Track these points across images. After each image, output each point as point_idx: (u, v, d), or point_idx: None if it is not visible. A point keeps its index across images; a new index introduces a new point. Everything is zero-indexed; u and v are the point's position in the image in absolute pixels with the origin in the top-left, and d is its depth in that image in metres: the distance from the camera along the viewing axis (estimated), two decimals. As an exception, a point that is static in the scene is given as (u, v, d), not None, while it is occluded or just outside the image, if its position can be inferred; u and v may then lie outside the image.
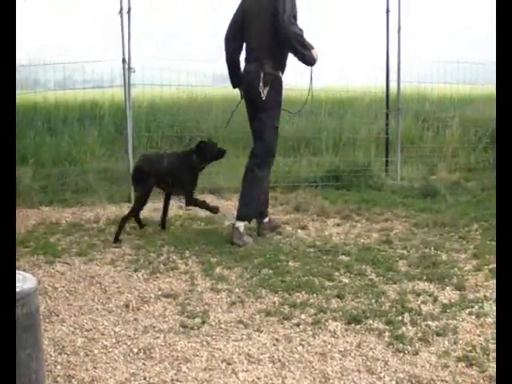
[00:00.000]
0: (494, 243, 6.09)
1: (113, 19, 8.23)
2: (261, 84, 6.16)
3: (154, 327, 4.28)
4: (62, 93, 10.80)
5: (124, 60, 8.16)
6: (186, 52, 13.09)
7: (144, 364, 3.78)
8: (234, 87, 6.66)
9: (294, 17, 6.11)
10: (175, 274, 5.36)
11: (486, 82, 11.88)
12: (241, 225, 6.25)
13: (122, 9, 8.07)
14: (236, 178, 7.77)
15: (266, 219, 6.62)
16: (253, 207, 6.36)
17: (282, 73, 6.37)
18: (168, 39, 18.34)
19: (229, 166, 8.82)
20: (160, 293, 4.91)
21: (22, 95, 10.07)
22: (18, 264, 5.40)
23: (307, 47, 6.12)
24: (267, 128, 6.34)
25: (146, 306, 4.66)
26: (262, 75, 6.16)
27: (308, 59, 6.20)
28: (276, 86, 6.27)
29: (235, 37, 6.39)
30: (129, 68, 8.17)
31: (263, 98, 6.19)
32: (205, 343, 4.06)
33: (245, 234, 6.25)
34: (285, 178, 8.83)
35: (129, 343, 4.04)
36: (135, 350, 3.94)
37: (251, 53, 6.30)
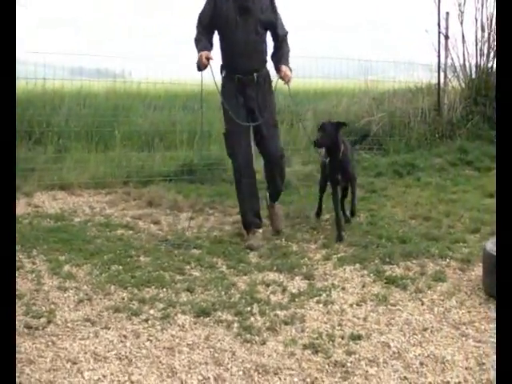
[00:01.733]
0: (343, 233, 6.23)
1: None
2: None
3: (-4, 329, 4.12)
4: None
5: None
6: (36, 43, 12.75)
7: (-16, 368, 3.63)
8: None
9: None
10: (21, 273, 5.16)
11: (337, 77, 12.17)
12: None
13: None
14: (86, 173, 7.64)
15: None
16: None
17: None
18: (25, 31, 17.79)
19: (78, 160, 8.64)
20: (3, 293, 4.73)
21: None
22: None
23: None
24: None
25: (-12, 307, 4.48)
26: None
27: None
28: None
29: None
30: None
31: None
32: (50, 343, 3.95)
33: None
34: (138, 173, 8.71)
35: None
36: (-25, 354, 3.78)
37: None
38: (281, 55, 6.23)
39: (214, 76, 6.17)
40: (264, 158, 6.43)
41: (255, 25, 6.07)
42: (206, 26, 6.16)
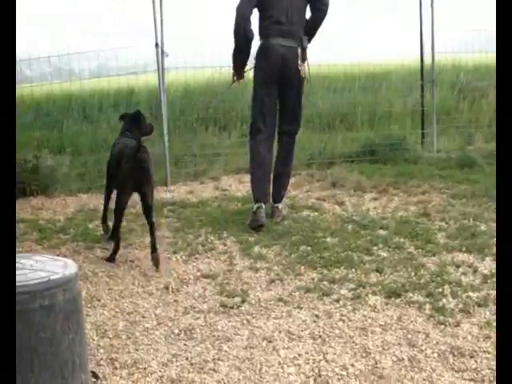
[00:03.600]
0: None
1: (145, 3, 8.23)
2: (299, 61, 6.10)
3: (194, 308, 4.31)
4: (96, 81, 10.81)
5: (157, 44, 8.16)
6: (218, 32, 13.06)
7: (185, 345, 3.80)
8: (236, 68, 6.37)
9: None
10: (213, 254, 5.38)
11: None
12: (279, 205, 6.44)
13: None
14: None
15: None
16: (288, 186, 6.64)
17: None
18: (201, 21, 18.30)
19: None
20: (199, 274, 4.93)
21: (56, 85, 10.15)
22: (58, 251, 5.47)
23: None
24: (300, 104, 6.35)
25: (185, 287, 4.69)
26: (299, 51, 6.09)
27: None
28: (307, 61, 6.22)
29: (249, 11, 6.11)
30: (162, 52, 8.17)
31: (303, 75, 6.16)
32: (245, 322, 4.08)
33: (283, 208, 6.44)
34: (320, 155, 8.78)
35: (170, 324, 4.07)
36: (176, 331, 3.97)
37: (280, 28, 6.06)
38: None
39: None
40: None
41: None
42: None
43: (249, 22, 6.08)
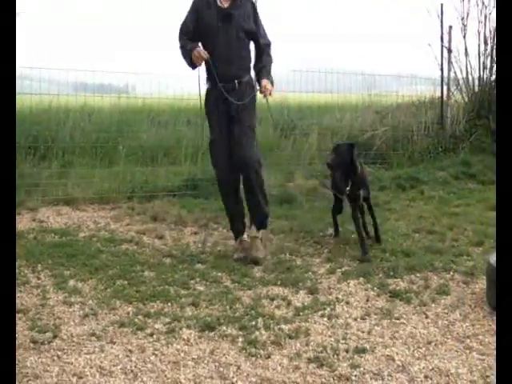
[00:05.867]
0: (347, 247, 6.30)
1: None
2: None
3: (2, 344, 4.14)
4: None
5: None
6: (41, 60, 12.83)
7: (-10, 383, 3.64)
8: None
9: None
10: (26, 288, 5.18)
11: (341, 91, 12.22)
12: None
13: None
14: (90, 188, 7.66)
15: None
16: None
17: None
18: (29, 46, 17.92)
19: (83, 175, 8.68)
20: (9, 308, 4.74)
21: None
22: None
23: None
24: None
25: (-6, 322, 4.50)
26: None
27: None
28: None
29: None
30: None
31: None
32: (56, 358, 3.97)
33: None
34: (142, 188, 8.73)
35: (-25, 362, 3.89)
36: (-19, 369, 3.80)
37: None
38: (262, 67, 6.14)
39: (199, 85, 6.21)
40: (239, 166, 6.07)
41: (237, 31, 6.02)
42: (188, 35, 6.08)
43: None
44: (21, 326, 4.43)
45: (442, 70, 11.41)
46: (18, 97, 10.21)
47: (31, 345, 4.14)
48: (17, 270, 5.57)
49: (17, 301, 4.89)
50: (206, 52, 5.94)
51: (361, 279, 5.44)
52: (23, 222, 7.22)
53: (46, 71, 9.75)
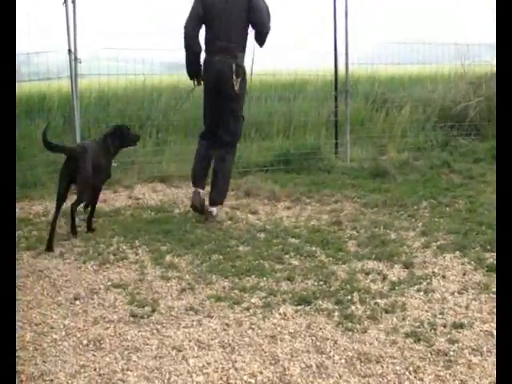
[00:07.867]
0: (442, 220, 6.21)
1: (57, 9, 8.11)
2: (234, 76, 6.41)
3: (104, 318, 4.25)
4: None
5: (70, 50, 8.05)
6: (133, 41, 12.98)
7: (94, 355, 3.76)
8: (191, 77, 6.77)
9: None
10: (125, 264, 5.33)
11: (433, 62, 12.00)
12: (213, 209, 6.57)
13: (66, -1, 7.96)
14: (185, 165, 7.75)
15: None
16: (225, 193, 6.73)
17: None
18: (114, 28, 18.16)
19: (177, 153, 8.80)
20: (110, 283, 4.87)
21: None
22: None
23: None
24: (237, 118, 6.65)
25: (95, 297, 4.63)
26: (234, 67, 6.41)
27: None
28: (245, 77, 6.58)
29: (195, 28, 6.50)
30: (75, 58, 8.07)
31: (236, 90, 6.45)
32: (155, 331, 4.06)
33: (217, 214, 6.58)
34: (235, 164, 8.76)
35: (78, 335, 4.01)
36: (85, 342, 3.92)
37: (219, 45, 6.43)
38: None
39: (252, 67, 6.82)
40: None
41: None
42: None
43: (195, 38, 6.50)
44: (120, 300, 4.56)
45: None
46: (114, 78, 10.51)
47: (131, 319, 4.25)
48: (115, 246, 5.73)
49: (116, 276, 5.04)
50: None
51: (457, 253, 5.35)
52: (120, 200, 7.39)
53: (140, 52, 9.89)
